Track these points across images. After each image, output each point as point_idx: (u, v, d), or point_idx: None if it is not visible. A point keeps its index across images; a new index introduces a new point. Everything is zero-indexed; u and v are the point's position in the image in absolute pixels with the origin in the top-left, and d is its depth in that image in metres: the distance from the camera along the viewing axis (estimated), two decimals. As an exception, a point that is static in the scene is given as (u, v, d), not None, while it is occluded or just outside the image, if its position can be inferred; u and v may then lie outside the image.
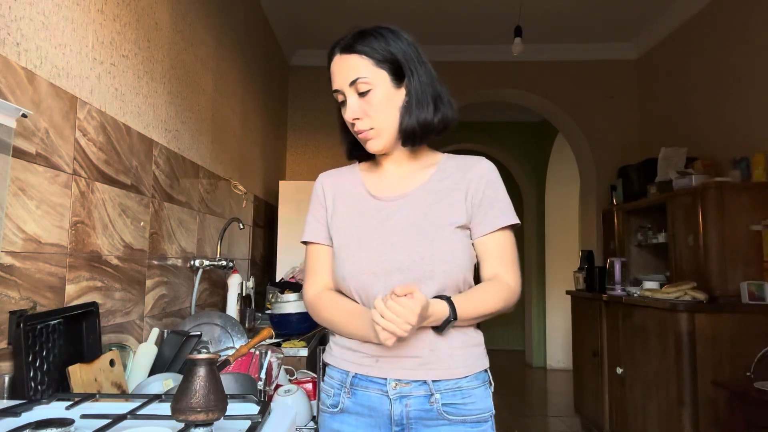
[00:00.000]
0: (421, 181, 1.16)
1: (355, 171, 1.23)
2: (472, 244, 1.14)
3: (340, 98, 1.14)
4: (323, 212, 1.20)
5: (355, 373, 1.10)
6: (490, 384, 1.14)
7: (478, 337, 1.14)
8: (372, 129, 1.11)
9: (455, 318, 1.04)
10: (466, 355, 1.10)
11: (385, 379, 1.08)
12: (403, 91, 1.12)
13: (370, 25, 1.14)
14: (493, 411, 1.12)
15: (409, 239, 1.09)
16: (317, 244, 1.20)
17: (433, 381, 1.07)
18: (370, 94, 1.10)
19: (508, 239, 1.14)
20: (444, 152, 1.23)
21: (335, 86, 1.13)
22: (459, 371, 1.08)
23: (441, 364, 1.07)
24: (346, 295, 1.15)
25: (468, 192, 1.13)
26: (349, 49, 1.11)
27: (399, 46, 1.12)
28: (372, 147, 1.14)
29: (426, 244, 1.08)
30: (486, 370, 1.14)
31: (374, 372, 1.09)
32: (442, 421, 1.07)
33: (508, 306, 1.11)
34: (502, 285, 1.11)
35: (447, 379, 1.07)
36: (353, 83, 1.10)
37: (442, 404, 1.07)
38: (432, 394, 1.07)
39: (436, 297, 1.06)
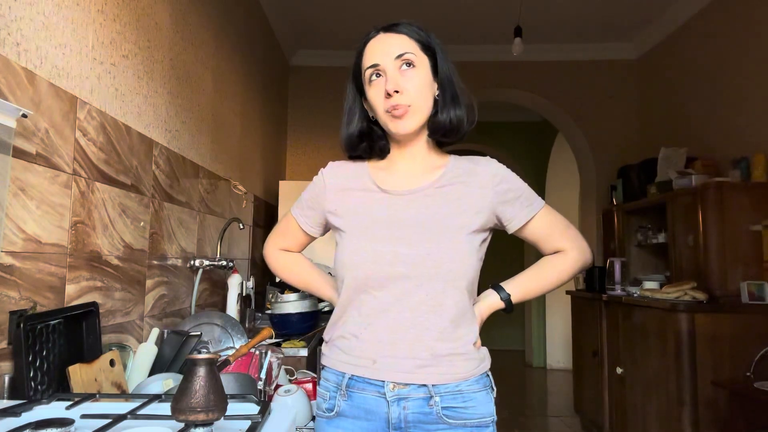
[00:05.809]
0: (431, 179, 1.14)
1: (364, 165, 1.20)
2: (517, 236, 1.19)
3: (374, 72, 1.10)
4: (319, 209, 1.19)
5: (352, 375, 1.07)
6: (492, 389, 1.11)
7: (479, 340, 1.12)
8: (410, 106, 1.08)
9: (508, 296, 1.16)
10: (466, 359, 1.07)
11: (383, 381, 1.05)
12: (436, 84, 1.13)
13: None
14: (495, 417, 1.09)
15: (416, 234, 1.07)
16: (299, 225, 1.24)
17: (433, 384, 1.05)
18: (414, 72, 1.09)
19: (545, 217, 1.16)
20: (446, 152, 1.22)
21: (374, 61, 1.09)
22: (459, 375, 1.06)
23: (440, 368, 1.05)
24: (337, 285, 1.14)
25: (485, 195, 1.12)
26: (395, 29, 1.11)
27: (435, 41, 1.14)
28: (403, 125, 1.09)
29: (433, 242, 1.06)
30: (487, 374, 1.11)
31: (371, 374, 1.06)
32: (442, 425, 1.04)
33: (577, 267, 1.18)
34: (558, 256, 1.18)
35: (447, 383, 1.05)
36: (400, 56, 1.08)
37: (442, 407, 1.04)
38: (431, 397, 1.04)
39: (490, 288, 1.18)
